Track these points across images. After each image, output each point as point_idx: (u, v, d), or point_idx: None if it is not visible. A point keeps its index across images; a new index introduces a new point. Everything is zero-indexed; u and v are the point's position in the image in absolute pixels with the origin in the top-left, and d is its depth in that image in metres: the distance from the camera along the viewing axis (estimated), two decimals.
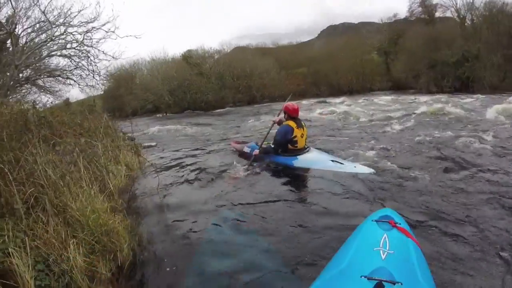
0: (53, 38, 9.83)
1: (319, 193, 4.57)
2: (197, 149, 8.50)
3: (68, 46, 10.23)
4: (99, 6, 10.73)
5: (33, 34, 9.92)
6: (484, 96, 18.99)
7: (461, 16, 29.82)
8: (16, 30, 9.60)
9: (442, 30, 29.45)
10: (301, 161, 5.77)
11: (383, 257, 2.05)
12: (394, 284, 1.76)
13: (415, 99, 19.78)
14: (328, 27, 69.07)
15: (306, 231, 3.46)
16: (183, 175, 5.89)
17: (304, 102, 23.98)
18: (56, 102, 15.04)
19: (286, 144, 5.87)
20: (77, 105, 22.18)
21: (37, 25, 9.82)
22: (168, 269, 2.97)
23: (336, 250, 2.49)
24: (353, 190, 4.55)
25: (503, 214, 3.73)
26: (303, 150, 5.96)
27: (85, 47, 10.33)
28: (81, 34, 10.06)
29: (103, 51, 10.67)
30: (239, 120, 16.69)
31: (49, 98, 13.01)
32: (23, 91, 11.80)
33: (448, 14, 32.68)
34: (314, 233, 3.42)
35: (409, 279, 1.91)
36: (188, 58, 30.01)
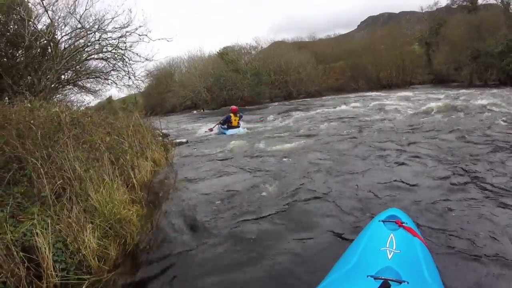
0: (89, 44, 10.47)
1: (324, 195, 4.63)
2: (226, 148, 8.64)
3: (104, 50, 10.88)
4: (131, 12, 11.27)
5: (71, 41, 10.56)
6: None
7: (506, 2, 27.49)
8: (56, 37, 10.25)
9: (485, 18, 27.56)
10: (230, 131, 11.49)
11: (389, 256, 2.10)
12: (400, 283, 1.79)
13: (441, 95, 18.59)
14: (367, 18, 67.88)
15: (315, 233, 3.56)
16: (207, 173, 6.12)
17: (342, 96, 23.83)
18: (99, 100, 16.05)
19: (227, 122, 11.94)
20: (119, 102, 23.38)
21: (74, 32, 10.49)
22: (172, 258, 3.24)
23: (344, 250, 2.57)
24: (361, 189, 4.66)
25: None
26: (235, 127, 11.81)
27: (120, 50, 10.98)
28: (115, 40, 10.74)
29: (137, 53, 11.31)
30: (275, 115, 16.47)
31: (90, 97, 13.86)
32: (66, 91, 12.66)
33: (492, 0, 30.37)
34: (322, 233, 3.53)
35: (416, 278, 1.94)
36: (224, 55, 30.36)
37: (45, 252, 2.61)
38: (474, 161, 5.66)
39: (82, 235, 2.94)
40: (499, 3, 28.54)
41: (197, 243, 3.47)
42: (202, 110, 26.77)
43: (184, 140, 10.43)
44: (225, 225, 3.84)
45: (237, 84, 28.01)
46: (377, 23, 52.26)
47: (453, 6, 35.21)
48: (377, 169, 5.62)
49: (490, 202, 4.06)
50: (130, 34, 10.79)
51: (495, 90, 18.57)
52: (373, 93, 22.90)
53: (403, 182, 4.87)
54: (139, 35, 10.86)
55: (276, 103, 25.49)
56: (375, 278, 1.81)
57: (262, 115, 17.22)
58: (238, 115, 12.01)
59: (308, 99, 26.05)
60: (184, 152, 8.44)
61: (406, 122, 10.29)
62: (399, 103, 15.35)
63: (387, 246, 2.20)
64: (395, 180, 4.95)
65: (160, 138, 8.56)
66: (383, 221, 2.55)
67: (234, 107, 12.48)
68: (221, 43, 62.65)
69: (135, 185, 4.63)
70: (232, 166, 6.45)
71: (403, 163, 5.84)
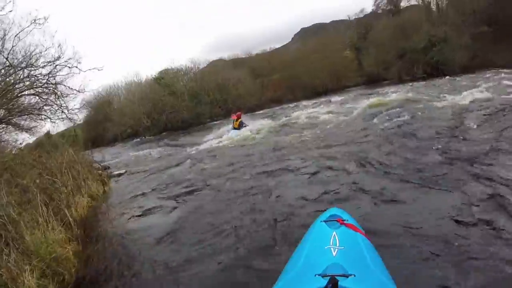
0: (18, 81, 10.30)
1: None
2: (164, 173, 8.86)
3: (35, 85, 10.70)
4: (61, 48, 11.12)
5: (0, 78, 10.28)
6: (452, 78, 20.20)
7: (426, 2, 30.42)
8: None
9: (408, 18, 30.02)
10: (232, 132, 14.45)
11: (334, 253, 2.15)
12: (347, 277, 1.84)
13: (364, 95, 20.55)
14: (300, 30, 69.70)
15: (263, 238, 3.84)
16: (143, 204, 6.22)
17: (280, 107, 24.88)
18: (36, 136, 15.49)
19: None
20: (59, 136, 22.62)
21: (3, 70, 10.27)
22: None
23: (290, 254, 2.65)
24: (303, 191, 5.04)
25: (450, 203, 4.15)
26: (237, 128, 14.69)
27: (51, 85, 10.83)
28: (44, 76, 10.59)
29: (68, 87, 11.11)
30: (208, 136, 16.82)
31: (26, 135, 13.40)
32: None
33: (413, 1, 33.23)
34: (268, 238, 3.82)
35: (362, 270, 2.01)
36: (159, 79, 30.29)
37: None
38: (401, 155, 6.31)
39: (22, 277, 3.09)
40: (420, 3, 31.27)
41: (134, 278, 3.61)
42: (144, 137, 26.33)
43: (122, 171, 10.43)
44: (161, 258, 3.96)
45: (175, 107, 27.89)
46: (310, 34, 53.64)
47: (378, 12, 37.26)
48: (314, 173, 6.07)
49: (421, 193, 4.58)
50: (60, 69, 10.69)
51: (422, 82, 21.33)
52: (305, 102, 24.18)
53: (342, 184, 5.29)
54: (69, 67, 10.76)
55: (217, 122, 25.77)
56: (323, 276, 1.85)
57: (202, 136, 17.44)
58: (238, 120, 15.28)
59: (249, 114, 26.37)
60: (123, 183, 8.51)
61: (333, 126, 11.06)
62: (328, 109, 16.76)
63: (331, 244, 2.26)
64: (334, 181, 5.42)
65: (99, 171, 8.55)
66: (325, 221, 2.63)
67: (235, 115, 16.04)
68: (158, 65, 62.03)
69: (71, 223, 4.75)
70: (167, 196, 6.55)
71: (335, 165, 6.35)
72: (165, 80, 30.05)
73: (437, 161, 5.59)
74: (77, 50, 10.93)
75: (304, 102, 23.90)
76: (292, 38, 67.16)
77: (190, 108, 28.40)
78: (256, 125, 15.22)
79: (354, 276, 1.84)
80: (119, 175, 9.95)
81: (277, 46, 49.27)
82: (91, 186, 6.77)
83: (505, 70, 19.02)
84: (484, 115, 8.26)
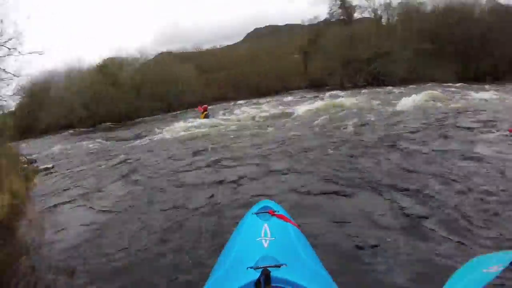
0: None
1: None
2: (95, 169, 8.64)
3: None
4: (1, 23, 9.83)
5: None
6: (391, 89, 21.25)
7: (378, 16, 31.94)
8: None
9: (358, 29, 31.11)
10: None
11: (265, 245, 2.14)
12: (279, 267, 1.84)
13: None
14: (253, 29, 70.24)
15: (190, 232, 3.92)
16: (69, 202, 5.99)
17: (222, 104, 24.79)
18: None
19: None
20: None
21: None
22: None
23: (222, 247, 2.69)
24: (236, 184, 5.25)
25: (373, 192, 4.70)
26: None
27: None
28: None
29: (4, 69, 10.11)
30: (147, 130, 16.66)
31: None
32: None
33: (366, 14, 34.57)
34: (198, 234, 3.86)
35: (293, 260, 2.02)
36: (104, 68, 29.04)
37: None
38: (330, 152, 6.91)
39: None
40: (372, 16, 32.97)
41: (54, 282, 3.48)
42: (78, 129, 25.05)
43: (50, 165, 9.88)
44: (86, 261, 3.82)
45: (113, 99, 26.83)
46: (262, 34, 54.02)
47: (331, 20, 37.96)
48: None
49: (347, 185, 4.97)
50: None
51: (363, 90, 22.31)
52: (244, 101, 24.91)
53: (273, 177, 5.63)
54: (8, 48, 9.73)
55: (156, 117, 25.55)
56: (255, 268, 1.84)
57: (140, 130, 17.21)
58: (204, 113, 16.56)
59: (188, 110, 26.09)
60: (49, 179, 8.14)
61: (263, 124, 11.41)
62: (267, 108, 17.95)
63: (262, 235, 2.26)
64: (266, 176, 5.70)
65: (25, 165, 8.35)
66: (256, 213, 2.65)
67: (202, 107, 17.40)
68: (103, 52, 59.78)
69: None
70: (94, 195, 6.34)
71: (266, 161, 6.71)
72: (109, 69, 28.95)
73: (369, 163, 5.99)
74: (19, 29, 9.68)
75: (245, 101, 24.56)
76: (245, 37, 67.31)
77: (130, 100, 27.55)
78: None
79: (286, 266, 1.86)
80: (46, 169, 9.42)
81: (228, 43, 49.24)
82: (13, 182, 6.32)
83: (442, 84, 20.60)
84: (416, 121, 9.22)
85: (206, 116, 16.45)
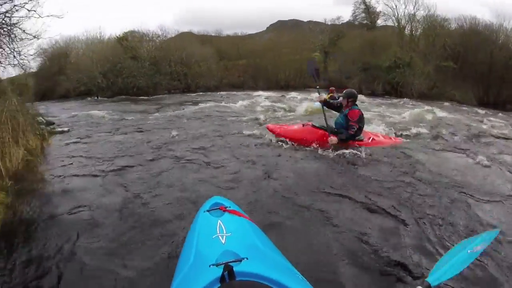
0: None
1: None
2: (108, 137, 8.66)
3: None
4: None
5: None
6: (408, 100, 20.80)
7: (401, 26, 31.21)
8: None
9: (380, 36, 30.96)
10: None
11: (223, 241, 2.17)
12: (240, 261, 1.85)
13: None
14: (277, 21, 69.60)
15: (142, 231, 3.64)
16: (81, 167, 6.00)
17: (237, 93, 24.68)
18: None
19: None
20: (8, 82, 21.27)
21: None
22: (32, 243, 3.33)
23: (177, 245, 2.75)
24: (181, 182, 5.00)
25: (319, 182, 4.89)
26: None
27: (5, 25, 9.98)
28: (1, 14, 9.73)
29: (23, 30, 10.35)
30: (166, 108, 16.66)
31: None
32: None
33: (390, 23, 33.84)
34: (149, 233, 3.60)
35: (253, 252, 2.07)
36: (123, 40, 29.07)
37: None
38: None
39: None
40: (395, 25, 31.89)
41: (60, 234, 3.52)
42: (96, 98, 25.27)
43: (66, 129, 10.01)
44: (90, 220, 3.86)
45: (133, 72, 27.01)
46: (285, 28, 53.61)
47: (354, 23, 38.14)
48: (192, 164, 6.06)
49: (295, 175, 5.20)
50: (18, 10, 9.81)
51: (379, 99, 21.81)
52: (266, 93, 23.79)
53: (222, 173, 5.47)
54: (28, 10, 9.92)
55: (175, 95, 25.56)
56: (217, 265, 1.83)
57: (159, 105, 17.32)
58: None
59: (205, 93, 26.16)
60: (64, 142, 8.19)
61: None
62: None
63: (218, 232, 2.27)
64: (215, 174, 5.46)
65: (42, 126, 8.38)
66: (208, 211, 2.63)
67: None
68: (124, 25, 59.55)
69: (3, 173, 4.74)
70: (105, 163, 6.23)
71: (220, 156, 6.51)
72: (129, 42, 29.03)
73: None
74: None
75: (265, 93, 23.76)
76: (267, 28, 66.83)
77: (149, 76, 27.70)
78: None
79: (247, 259, 1.88)
80: (62, 132, 9.57)
81: (250, 32, 48.86)
82: (29, 139, 6.52)
83: (462, 105, 20.58)
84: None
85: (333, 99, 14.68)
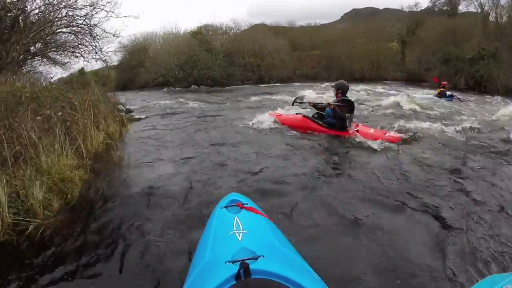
0: (56, 19, 10.85)
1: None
2: (182, 126, 9.07)
3: (72, 24, 11.31)
4: None
5: (40, 15, 10.82)
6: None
7: (485, 12, 27.46)
8: (26, 9, 10.56)
9: (462, 24, 28.20)
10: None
11: (239, 238, 2.15)
12: (257, 259, 1.83)
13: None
14: (351, 10, 68.03)
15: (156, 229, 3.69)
16: (157, 152, 6.51)
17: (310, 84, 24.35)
18: (71, 71, 16.52)
19: None
20: (92, 74, 23.45)
21: (43, 7, 10.78)
22: (107, 215, 3.91)
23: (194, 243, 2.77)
24: (201, 178, 5.06)
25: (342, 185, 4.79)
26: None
27: (87, 26, 11.41)
28: (81, 17, 11.16)
29: (103, 30, 11.90)
30: (241, 98, 17.19)
31: (59, 69, 14.28)
32: (35, 62, 13.05)
33: (472, 8, 29.94)
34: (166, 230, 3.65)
35: (270, 250, 2.04)
36: (197, 34, 30.29)
37: (2, 199, 3.40)
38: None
39: (32, 189, 3.71)
40: (478, 11, 28.15)
41: (134, 210, 4.01)
42: (173, 88, 26.80)
43: (143, 116, 10.84)
44: (167, 202, 4.21)
45: (208, 64, 28.15)
46: (360, 17, 52.50)
47: (434, 9, 35.88)
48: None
49: (316, 178, 5.05)
50: (97, 12, 11.31)
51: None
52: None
53: (241, 170, 5.45)
54: (106, 11, 11.38)
55: (248, 86, 26.32)
56: (233, 262, 1.82)
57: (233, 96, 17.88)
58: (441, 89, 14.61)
59: (278, 84, 26.45)
60: (142, 128, 8.87)
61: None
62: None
63: (235, 229, 2.26)
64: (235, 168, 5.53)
65: (123, 113, 9.13)
66: (225, 207, 2.62)
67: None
68: (198, 20, 61.03)
69: (84, 153, 5.41)
70: (180, 150, 6.67)
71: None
72: (203, 36, 30.24)
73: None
74: None
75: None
76: (342, 17, 65.67)
77: (223, 67, 28.67)
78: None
79: (263, 257, 1.86)
80: (140, 119, 10.32)
81: (323, 22, 48.32)
82: (110, 125, 7.23)
83: None
84: None
85: (443, 95, 14.85)
